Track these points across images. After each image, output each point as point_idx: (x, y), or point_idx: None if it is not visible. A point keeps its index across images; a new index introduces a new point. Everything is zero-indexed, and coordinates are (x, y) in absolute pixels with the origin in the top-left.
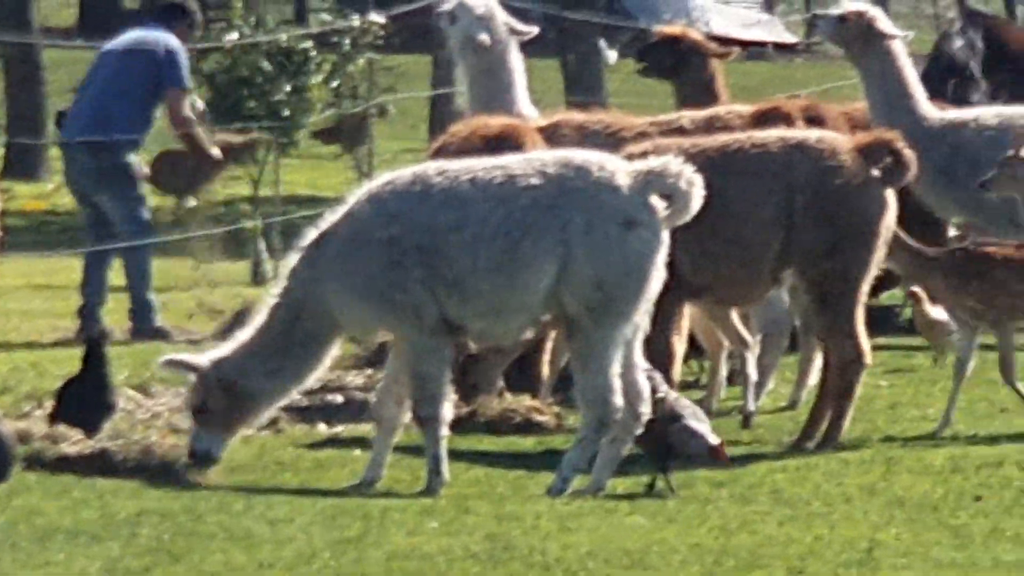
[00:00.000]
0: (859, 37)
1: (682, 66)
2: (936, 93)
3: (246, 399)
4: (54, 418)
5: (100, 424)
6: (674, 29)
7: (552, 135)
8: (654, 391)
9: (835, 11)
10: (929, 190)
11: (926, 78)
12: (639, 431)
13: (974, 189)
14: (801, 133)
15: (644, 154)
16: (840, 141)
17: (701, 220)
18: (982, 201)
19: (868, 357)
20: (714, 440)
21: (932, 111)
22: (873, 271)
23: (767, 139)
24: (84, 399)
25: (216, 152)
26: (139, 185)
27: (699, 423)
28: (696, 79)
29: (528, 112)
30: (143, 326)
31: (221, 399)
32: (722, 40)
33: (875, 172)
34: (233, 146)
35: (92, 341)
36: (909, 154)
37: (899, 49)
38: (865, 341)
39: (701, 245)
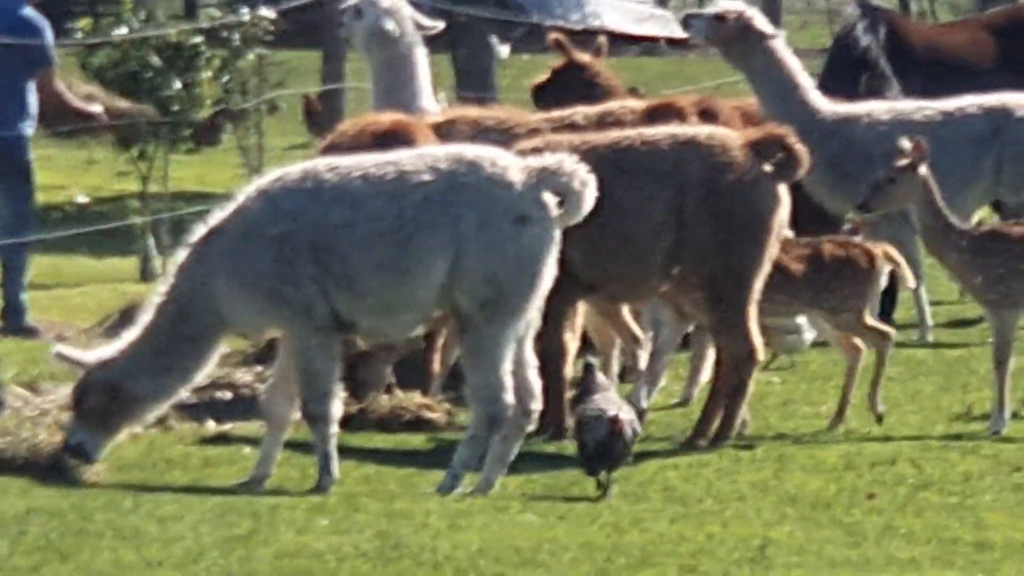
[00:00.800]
0: (736, 37)
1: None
2: (844, 87)
3: (131, 401)
4: None
5: None
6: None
7: (448, 131)
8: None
9: (710, 10)
10: (820, 185)
11: (832, 72)
12: (530, 428)
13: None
14: (692, 130)
15: (536, 150)
16: (731, 137)
17: (592, 217)
18: None
19: (760, 354)
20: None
21: (825, 104)
22: (766, 267)
23: (658, 136)
24: None
25: (95, 108)
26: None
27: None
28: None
29: (430, 107)
30: (15, 324)
31: (104, 400)
32: (615, 35)
33: (767, 167)
34: (120, 111)
35: None
36: (801, 149)
37: (780, 45)
38: (757, 338)
39: (592, 242)
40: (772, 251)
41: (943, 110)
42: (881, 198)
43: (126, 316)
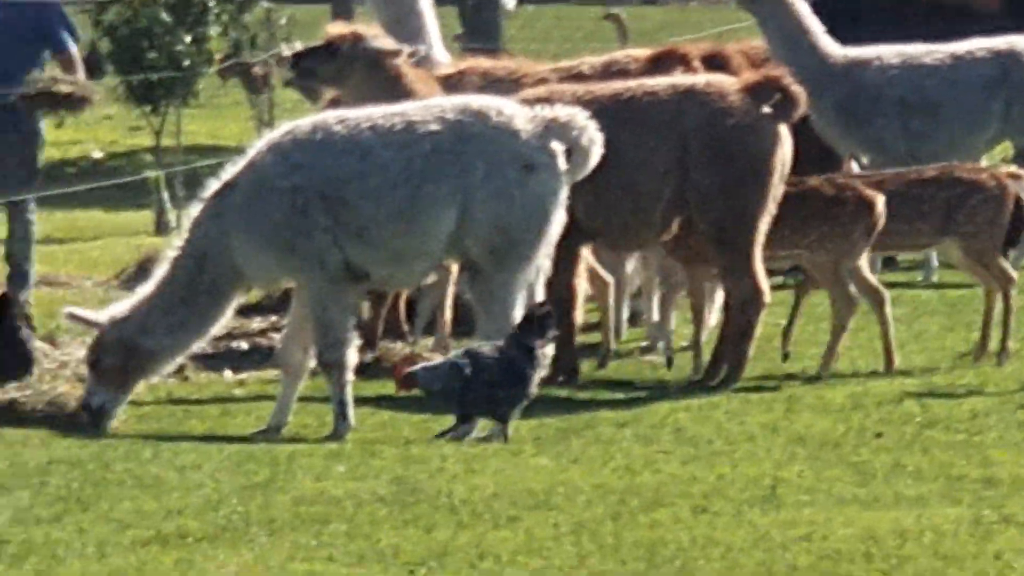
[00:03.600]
0: None
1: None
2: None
3: (146, 357)
4: None
5: (11, 377)
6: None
7: (459, 82)
8: None
9: None
10: (830, 127)
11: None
12: (542, 373)
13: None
14: (690, 79)
15: (539, 100)
16: (728, 83)
17: (596, 167)
18: (882, 139)
19: (767, 296)
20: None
21: (835, 49)
22: (771, 209)
23: (657, 87)
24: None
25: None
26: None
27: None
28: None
29: (440, 57)
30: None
31: (119, 358)
32: None
33: (766, 110)
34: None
35: (3, 299)
36: (797, 89)
37: None
38: (764, 280)
39: (595, 191)
40: (776, 192)
41: (952, 53)
42: None
43: (142, 268)
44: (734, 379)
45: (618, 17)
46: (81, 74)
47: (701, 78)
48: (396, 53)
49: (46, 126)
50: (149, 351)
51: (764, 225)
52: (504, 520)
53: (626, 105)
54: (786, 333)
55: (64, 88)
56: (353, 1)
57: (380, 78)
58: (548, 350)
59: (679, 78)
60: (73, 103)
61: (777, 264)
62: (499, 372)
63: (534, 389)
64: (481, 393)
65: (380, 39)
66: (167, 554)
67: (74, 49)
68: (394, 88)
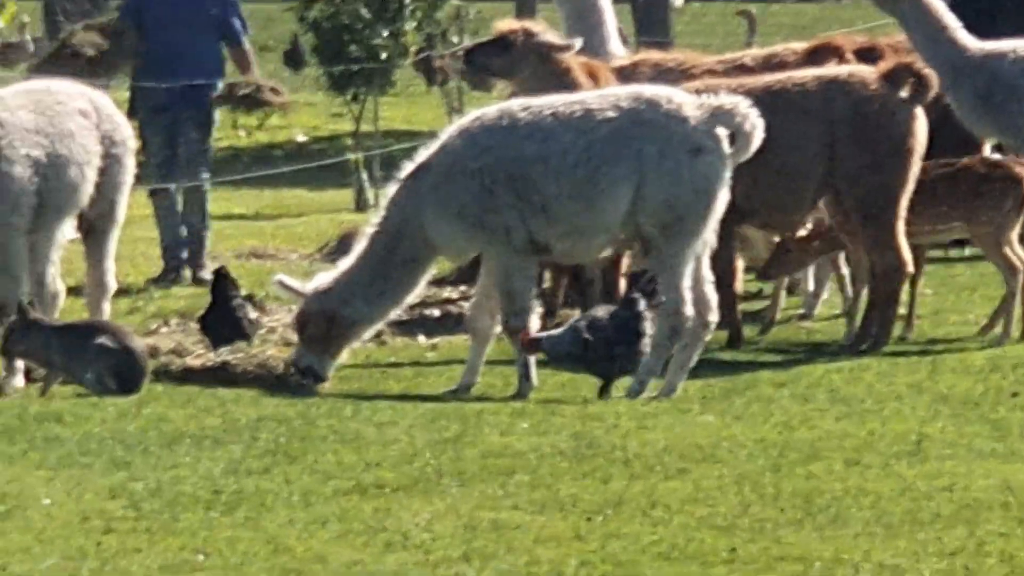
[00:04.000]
0: None
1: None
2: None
3: (347, 325)
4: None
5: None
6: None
7: (632, 73)
8: None
9: None
10: (969, 115)
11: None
12: (707, 337)
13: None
14: (834, 70)
15: (696, 92)
16: (867, 72)
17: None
18: (1018, 125)
19: (910, 266)
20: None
21: (972, 42)
22: (910, 185)
23: (806, 78)
24: (219, 326)
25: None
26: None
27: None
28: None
29: (617, 51)
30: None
31: (323, 326)
32: None
33: (902, 94)
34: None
35: (219, 274)
36: (929, 72)
37: None
38: (906, 251)
39: (752, 175)
40: (915, 169)
41: None
42: None
43: (342, 243)
44: (882, 343)
45: (750, 13)
46: (255, 68)
47: (843, 69)
48: (566, 48)
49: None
50: (350, 320)
51: (905, 200)
52: (673, 472)
53: (778, 95)
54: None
55: (269, 97)
56: None
57: (549, 71)
58: (651, 313)
59: (825, 70)
60: (273, 107)
61: (938, 238)
62: (614, 331)
63: (646, 347)
64: (601, 352)
65: (549, 33)
66: (366, 503)
67: (247, 43)
68: (562, 81)
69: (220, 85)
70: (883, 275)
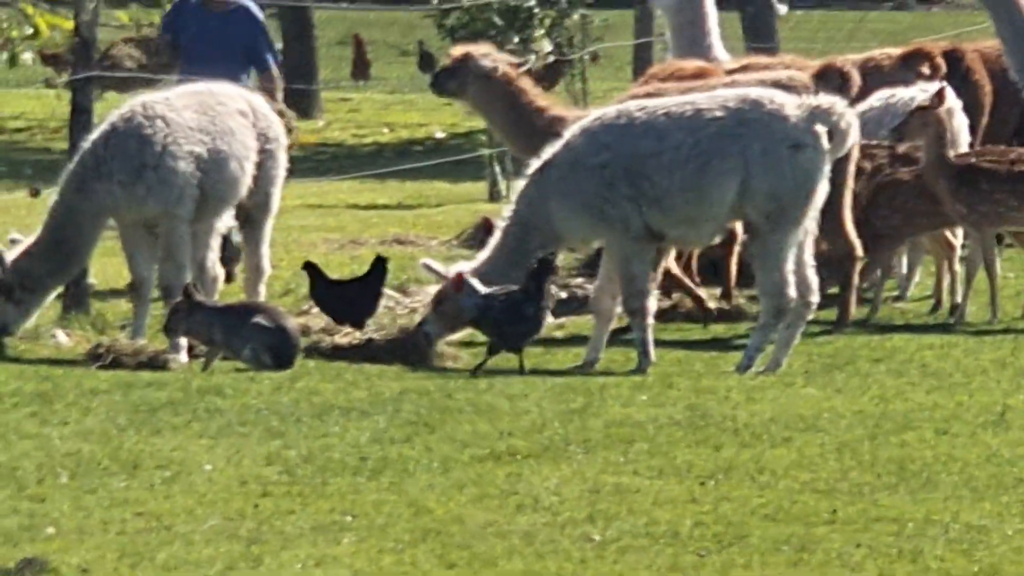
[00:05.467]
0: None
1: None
2: None
3: None
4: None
5: (364, 320)
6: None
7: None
8: None
9: None
10: None
11: None
12: (809, 317)
13: None
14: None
15: (647, 96)
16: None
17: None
18: None
19: (859, 251)
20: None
21: None
22: (851, 180)
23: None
24: (356, 301)
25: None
26: None
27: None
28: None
29: (722, 56)
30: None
31: (455, 306)
32: None
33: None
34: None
35: (380, 258)
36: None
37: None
38: (855, 239)
39: None
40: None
41: None
42: (904, 129)
43: (478, 230)
44: (843, 323)
45: None
46: (280, 93)
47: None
48: (501, 70)
49: None
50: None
51: (848, 193)
52: (779, 440)
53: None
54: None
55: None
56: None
57: (495, 90)
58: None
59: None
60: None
61: None
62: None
63: (543, 323)
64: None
65: (489, 57)
66: (499, 468)
67: (275, 68)
68: (510, 99)
69: None
70: (838, 261)
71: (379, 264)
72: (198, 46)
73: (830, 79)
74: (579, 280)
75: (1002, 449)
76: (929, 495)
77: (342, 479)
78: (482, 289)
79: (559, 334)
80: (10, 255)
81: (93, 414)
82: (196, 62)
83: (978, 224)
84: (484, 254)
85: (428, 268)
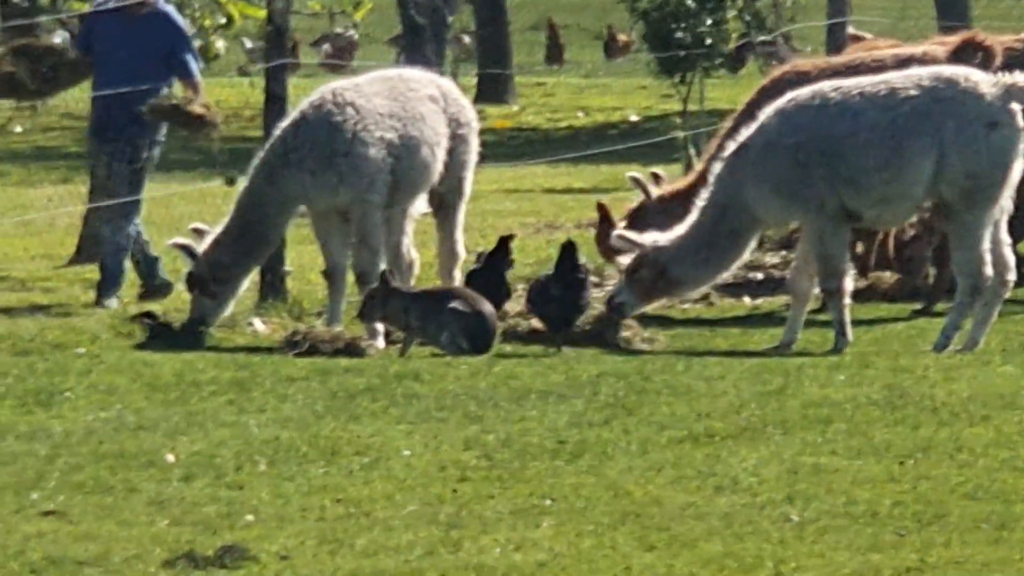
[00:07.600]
0: None
1: None
2: None
3: (672, 281)
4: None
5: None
6: None
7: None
8: None
9: None
10: None
11: None
12: (1006, 295)
13: None
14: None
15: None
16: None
17: None
18: None
19: None
20: None
21: None
22: None
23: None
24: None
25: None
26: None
27: None
28: None
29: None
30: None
31: (651, 276)
32: None
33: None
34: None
35: (569, 243)
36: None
37: None
38: None
39: None
40: None
41: None
42: None
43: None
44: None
45: None
46: (204, 98)
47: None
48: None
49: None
50: (676, 278)
51: None
52: (977, 419)
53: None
54: None
55: (196, 109)
56: None
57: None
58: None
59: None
60: (199, 125)
61: None
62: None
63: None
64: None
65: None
66: (697, 450)
67: (198, 76)
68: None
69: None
70: None
71: (566, 250)
72: (115, 52)
73: (970, 54)
74: (775, 261)
75: None
76: None
77: (540, 463)
78: None
79: (756, 314)
80: (200, 247)
81: (291, 401)
82: (111, 68)
83: None
84: (681, 228)
85: (623, 239)
